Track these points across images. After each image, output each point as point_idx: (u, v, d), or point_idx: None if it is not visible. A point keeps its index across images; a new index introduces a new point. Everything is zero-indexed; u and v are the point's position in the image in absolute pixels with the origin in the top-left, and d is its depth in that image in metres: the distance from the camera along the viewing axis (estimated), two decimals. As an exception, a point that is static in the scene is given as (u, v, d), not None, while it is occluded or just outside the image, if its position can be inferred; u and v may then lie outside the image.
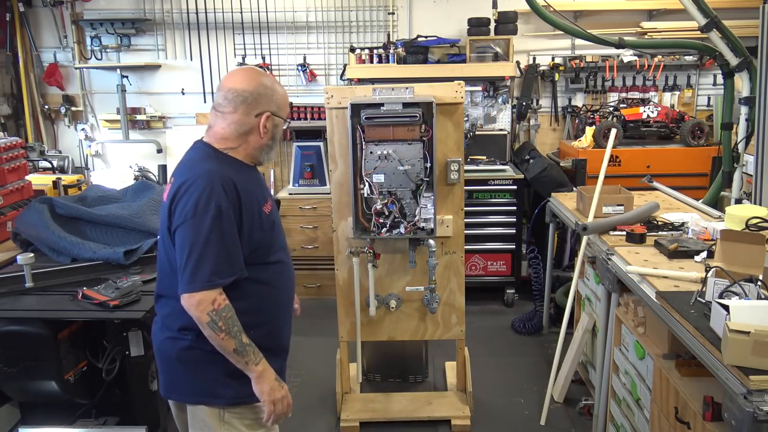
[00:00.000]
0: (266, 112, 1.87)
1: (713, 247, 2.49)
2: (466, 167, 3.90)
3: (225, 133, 1.88)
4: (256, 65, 5.21)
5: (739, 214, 2.70)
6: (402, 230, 2.92)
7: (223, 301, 1.73)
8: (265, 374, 1.83)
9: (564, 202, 3.72)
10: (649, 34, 4.99)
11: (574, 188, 3.93)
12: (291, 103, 5.27)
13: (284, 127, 1.99)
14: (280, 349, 2.01)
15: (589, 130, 4.72)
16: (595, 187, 3.29)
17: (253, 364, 1.80)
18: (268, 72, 5.08)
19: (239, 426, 1.90)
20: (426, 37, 4.98)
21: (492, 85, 5.03)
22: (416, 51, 4.90)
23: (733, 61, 3.73)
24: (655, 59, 4.95)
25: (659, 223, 3.07)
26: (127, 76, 5.29)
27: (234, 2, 5.15)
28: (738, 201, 3.82)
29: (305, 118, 5.24)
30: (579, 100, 5.23)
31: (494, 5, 4.82)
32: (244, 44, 5.25)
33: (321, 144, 4.82)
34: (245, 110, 1.85)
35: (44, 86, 5.43)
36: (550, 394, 3.31)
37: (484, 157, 4.94)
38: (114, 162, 5.46)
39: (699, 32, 3.76)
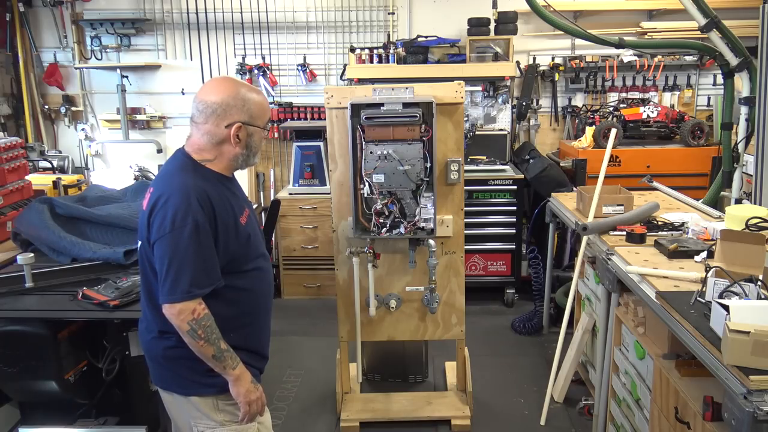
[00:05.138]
0: (237, 122, 1.88)
1: (713, 247, 2.49)
2: (466, 167, 3.90)
3: (200, 144, 1.91)
4: (256, 65, 5.22)
5: (739, 214, 2.70)
6: (402, 230, 2.92)
7: (202, 311, 1.81)
8: (242, 377, 1.91)
9: (564, 202, 3.72)
10: (649, 34, 4.99)
11: (574, 188, 3.93)
12: (291, 104, 5.28)
13: (264, 134, 1.99)
14: (260, 349, 2.08)
15: (589, 130, 4.72)
16: (595, 187, 3.30)
17: (231, 368, 1.88)
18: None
19: (235, 412, 1.97)
20: (426, 37, 4.98)
21: (492, 85, 5.03)
22: (416, 51, 4.91)
23: (733, 61, 3.73)
24: (655, 59, 4.96)
25: (659, 223, 3.07)
26: (127, 76, 5.29)
27: (234, 2, 5.15)
28: (738, 201, 3.82)
29: (305, 118, 5.25)
30: (579, 100, 5.23)
31: (494, 5, 4.82)
32: (244, 44, 5.25)
33: (321, 144, 4.82)
34: (215, 121, 1.87)
35: (44, 86, 5.43)
36: (550, 394, 3.31)
37: (484, 157, 4.94)
38: (114, 162, 5.45)
39: (699, 32, 3.76)
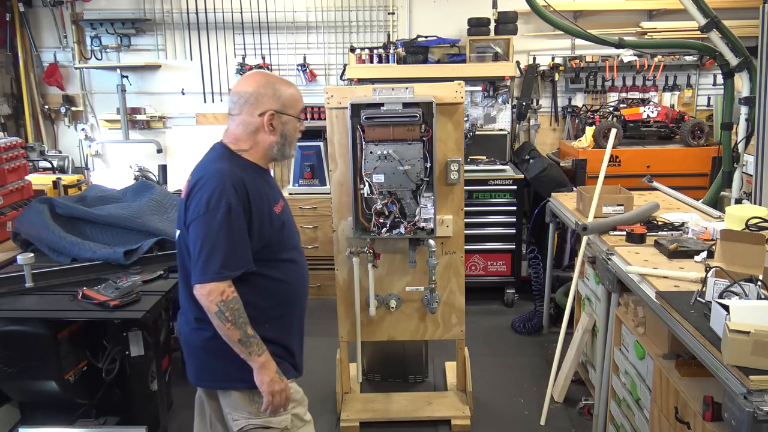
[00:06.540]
0: (269, 110, 1.96)
1: (713, 247, 2.49)
2: (466, 167, 3.90)
3: (237, 134, 2.00)
4: (256, 65, 5.21)
5: (739, 214, 2.70)
6: (402, 230, 2.92)
7: (231, 293, 1.85)
8: (267, 366, 1.93)
9: (564, 202, 3.72)
10: (649, 34, 4.99)
11: (574, 188, 3.93)
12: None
13: (298, 125, 2.06)
14: (291, 344, 2.09)
15: (589, 130, 4.72)
16: (595, 187, 3.29)
17: (256, 355, 1.90)
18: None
19: None
20: (426, 37, 4.98)
21: (492, 85, 5.03)
22: (416, 51, 4.90)
23: (733, 61, 3.73)
24: (655, 59, 4.96)
25: (659, 223, 3.07)
26: (127, 76, 5.29)
27: (234, 2, 5.15)
28: (738, 201, 3.81)
29: (305, 118, 5.23)
30: (579, 100, 5.23)
31: (494, 5, 4.82)
32: (244, 44, 5.25)
33: (321, 144, 4.82)
34: (249, 111, 1.97)
35: (44, 86, 5.43)
36: (550, 394, 3.31)
37: (484, 157, 4.94)
38: (114, 162, 5.46)
39: (699, 32, 3.76)
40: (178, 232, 2.00)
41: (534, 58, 5.16)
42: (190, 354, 2.04)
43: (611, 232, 3.03)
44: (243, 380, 1.95)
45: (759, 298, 1.94)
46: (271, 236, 1.96)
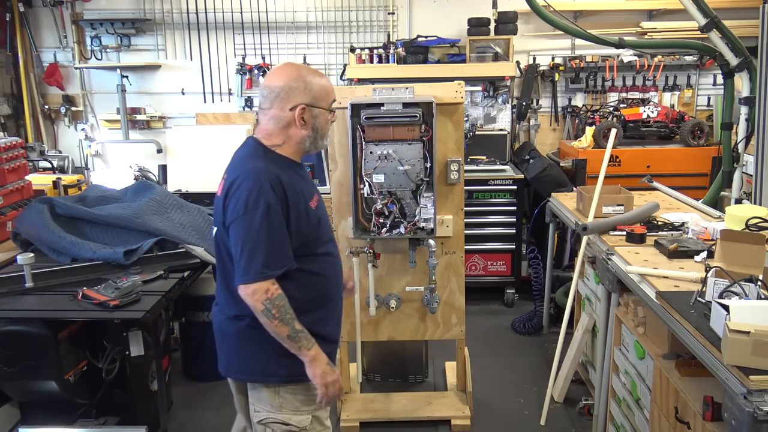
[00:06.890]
0: (300, 104, 1.94)
1: (713, 247, 2.49)
2: (466, 167, 3.90)
3: (268, 129, 1.98)
4: (256, 65, 5.22)
5: (739, 214, 2.70)
6: (402, 230, 2.92)
7: (276, 291, 1.86)
8: (318, 358, 1.94)
9: (564, 202, 3.72)
10: (649, 34, 4.99)
11: (574, 188, 3.93)
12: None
13: (330, 116, 2.04)
14: (330, 335, 2.10)
15: (589, 130, 4.72)
16: (595, 187, 3.29)
17: (306, 349, 1.91)
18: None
19: (293, 401, 2.02)
20: (426, 37, 4.99)
21: (492, 85, 5.03)
22: (416, 51, 4.91)
23: (733, 61, 3.73)
24: (655, 59, 4.96)
25: (659, 223, 3.07)
26: (127, 76, 5.29)
27: (234, 2, 5.16)
28: (738, 201, 3.81)
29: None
30: (579, 100, 5.23)
31: (494, 5, 4.82)
32: (244, 44, 5.26)
33: (321, 144, 4.81)
34: (280, 105, 1.94)
35: (44, 86, 5.43)
36: (550, 394, 3.31)
37: (484, 157, 4.94)
38: (114, 162, 5.46)
39: (699, 32, 3.76)
40: (215, 229, 2.01)
41: (534, 58, 5.16)
42: (223, 343, 2.05)
43: (611, 232, 3.02)
44: (271, 374, 1.97)
45: (759, 298, 1.94)
46: (309, 233, 1.97)
